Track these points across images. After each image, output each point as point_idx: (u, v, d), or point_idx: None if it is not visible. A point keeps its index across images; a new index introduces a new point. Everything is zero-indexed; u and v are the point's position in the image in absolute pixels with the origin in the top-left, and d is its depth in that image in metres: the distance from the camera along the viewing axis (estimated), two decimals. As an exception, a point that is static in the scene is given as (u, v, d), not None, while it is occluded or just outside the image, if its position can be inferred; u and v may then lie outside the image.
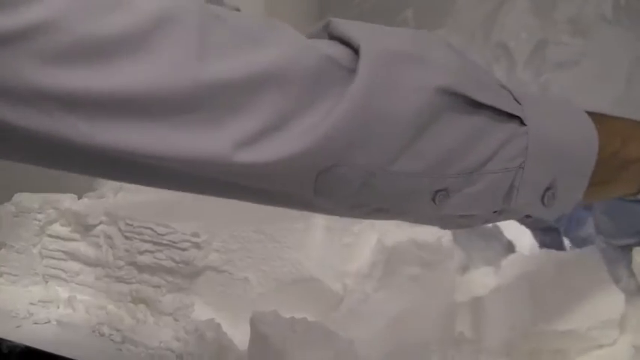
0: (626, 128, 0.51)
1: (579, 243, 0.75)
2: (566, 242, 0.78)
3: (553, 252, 0.69)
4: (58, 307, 0.77)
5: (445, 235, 0.73)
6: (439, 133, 0.40)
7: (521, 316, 0.63)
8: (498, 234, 0.79)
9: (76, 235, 0.80)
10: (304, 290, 0.71)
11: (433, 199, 0.43)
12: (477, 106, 0.41)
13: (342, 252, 0.74)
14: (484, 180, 0.43)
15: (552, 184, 0.45)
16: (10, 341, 0.66)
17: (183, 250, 0.73)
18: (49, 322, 0.74)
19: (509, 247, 0.78)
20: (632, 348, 0.64)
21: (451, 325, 0.67)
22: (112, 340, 0.70)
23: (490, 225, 0.80)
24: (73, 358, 0.64)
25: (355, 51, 0.39)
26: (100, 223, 0.78)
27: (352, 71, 0.38)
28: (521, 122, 0.43)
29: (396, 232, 0.73)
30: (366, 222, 0.74)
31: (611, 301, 0.64)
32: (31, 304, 0.77)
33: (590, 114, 0.48)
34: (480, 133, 0.42)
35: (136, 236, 0.74)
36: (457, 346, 0.65)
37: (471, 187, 0.43)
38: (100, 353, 0.68)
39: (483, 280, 0.70)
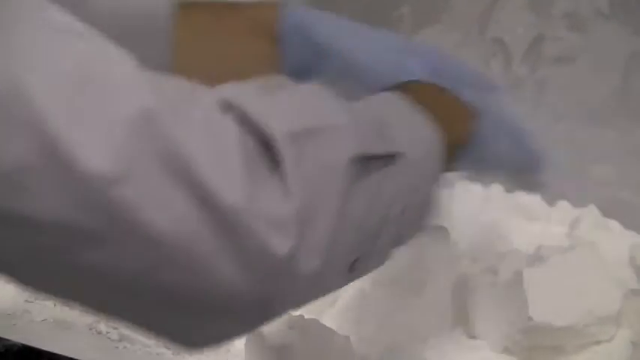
0: (449, 115, 0.51)
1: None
2: None
3: (550, 248, 0.69)
4: (55, 305, 0.77)
5: (442, 231, 0.73)
6: (356, 203, 0.39)
7: (518, 312, 0.63)
8: (495, 230, 0.79)
9: (73, 233, 0.80)
10: (301, 287, 0.71)
11: (350, 270, 0.41)
12: (371, 158, 0.40)
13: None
14: (387, 232, 0.42)
15: (424, 202, 0.46)
16: (6, 340, 0.66)
17: (180, 247, 0.72)
18: (45, 320, 0.74)
19: (506, 243, 0.78)
20: (629, 344, 0.64)
21: (448, 322, 0.67)
22: (109, 338, 0.70)
23: (487, 222, 0.80)
24: (69, 356, 0.64)
25: (261, 132, 0.35)
26: (97, 220, 0.78)
27: (274, 161, 0.35)
28: (397, 156, 0.42)
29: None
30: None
31: (608, 297, 0.64)
32: (27, 301, 0.77)
33: (416, 92, 0.48)
34: (379, 187, 0.41)
35: (133, 233, 0.74)
36: (454, 342, 0.65)
37: (377, 246, 0.42)
38: (97, 351, 0.68)
39: (481, 276, 0.69)
